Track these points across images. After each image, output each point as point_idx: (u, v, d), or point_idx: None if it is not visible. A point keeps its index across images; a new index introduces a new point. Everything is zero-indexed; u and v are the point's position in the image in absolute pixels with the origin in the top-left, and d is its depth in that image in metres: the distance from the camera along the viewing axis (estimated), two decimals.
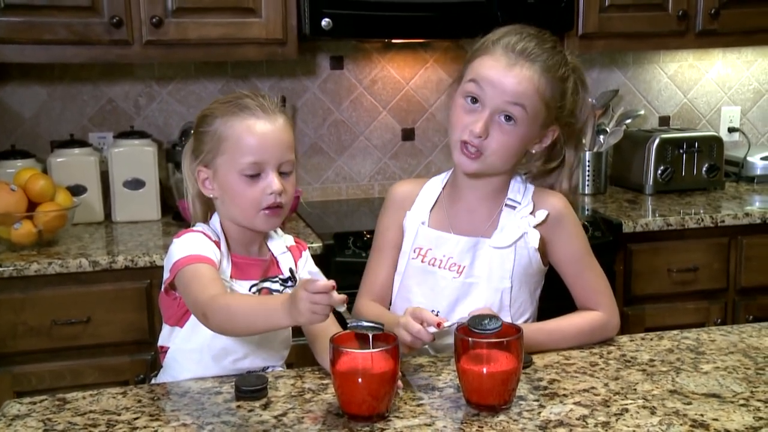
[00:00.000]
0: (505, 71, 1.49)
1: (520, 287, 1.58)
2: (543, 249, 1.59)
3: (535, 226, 1.56)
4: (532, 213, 1.58)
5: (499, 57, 1.50)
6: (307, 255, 1.61)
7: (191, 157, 1.51)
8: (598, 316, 1.59)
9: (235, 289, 1.47)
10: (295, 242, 1.61)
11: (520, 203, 1.59)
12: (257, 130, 1.42)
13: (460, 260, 1.58)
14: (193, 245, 1.43)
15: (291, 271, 1.54)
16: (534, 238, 1.56)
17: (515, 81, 1.49)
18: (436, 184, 1.67)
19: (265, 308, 1.28)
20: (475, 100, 1.51)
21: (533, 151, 1.59)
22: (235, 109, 1.44)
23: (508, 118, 1.50)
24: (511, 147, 1.52)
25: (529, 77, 1.49)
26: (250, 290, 1.49)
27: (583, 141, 1.67)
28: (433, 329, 1.41)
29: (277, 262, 1.55)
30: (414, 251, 1.62)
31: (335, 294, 1.19)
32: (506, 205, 1.59)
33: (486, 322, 1.33)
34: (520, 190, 1.60)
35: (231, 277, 1.48)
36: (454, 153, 1.55)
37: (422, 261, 1.60)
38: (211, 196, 1.49)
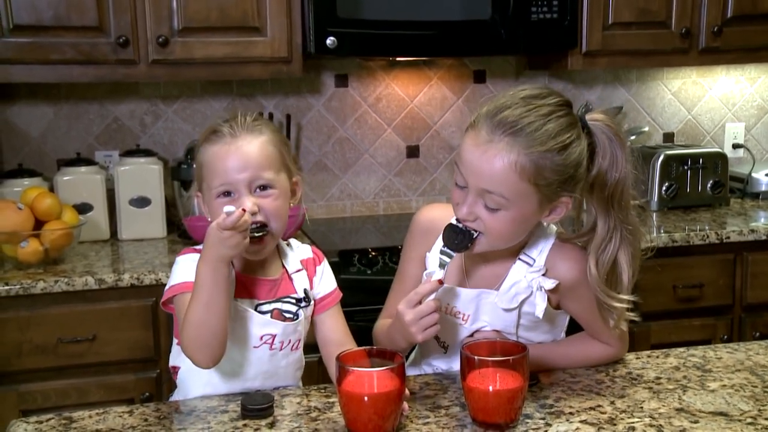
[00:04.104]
0: (480, 151, 1.33)
1: (528, 332, 1.53)
2: (556, 301, 1.52)
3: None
4: (544, 274, 1.47)
5: (479, 132, 1.34)
6: (322, 269, 1.58)
7: (195, 185, 1.55)
8: (609, 351, 1.57)
9: (239, 310, 1.45)
10: (313, 253, 1.59)
11: (534, 261, 1.48)
12: (222, 153, 1.44)
13: (465, 309, 1.52)
14: (191, 270, 1.41)
15: (305, 291, 1.53)
16: (540, 309, 1.46)
17: (488, 165, 1.32)
18: None
19: (203, 280, 1.34)
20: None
21: (545, 224, 1.49)
22: (210, 135, 1.47)
23: (490, 204, 1.36)
24: (505, 230, 1.39)
25: (504, 157, 1.31)
26: (256, 309, 1.48)
27: (630, 198, 1.52)
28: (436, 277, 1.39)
29: (291, 280, 1.53)
30: None
31: (238, 216, 1.31)
32: (520, 259, 1.49)
33: (457, 240, 1.41)
34: (537, 245, 1.49)
35: (235, 297, 1.46)
36: None
37: None
38: (210, 220, 1.50)
